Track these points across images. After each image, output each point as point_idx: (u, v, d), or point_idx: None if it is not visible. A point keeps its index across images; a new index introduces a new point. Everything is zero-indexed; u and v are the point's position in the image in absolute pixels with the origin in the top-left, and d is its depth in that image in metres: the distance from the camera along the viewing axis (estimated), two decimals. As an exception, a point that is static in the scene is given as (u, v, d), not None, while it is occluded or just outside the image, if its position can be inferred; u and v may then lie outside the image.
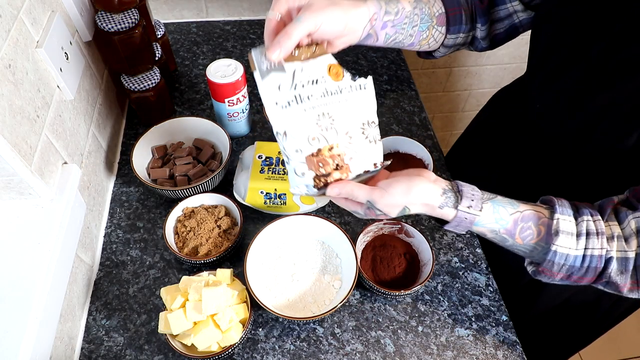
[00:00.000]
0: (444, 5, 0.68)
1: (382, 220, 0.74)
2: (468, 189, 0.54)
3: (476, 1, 0.70)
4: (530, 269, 0.56)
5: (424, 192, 0.52)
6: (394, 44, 0.67)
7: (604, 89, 0.57)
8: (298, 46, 0.52)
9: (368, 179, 0.57)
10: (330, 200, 0.78)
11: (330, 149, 0.51)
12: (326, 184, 0.52)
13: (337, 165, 0.52)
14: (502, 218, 0.53)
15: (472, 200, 0.53)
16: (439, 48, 0.73)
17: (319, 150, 0.51)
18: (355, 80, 0.54)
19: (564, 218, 0.51)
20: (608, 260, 0.50)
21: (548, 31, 0.64)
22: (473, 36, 0.73)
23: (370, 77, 0.55)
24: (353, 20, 0.57)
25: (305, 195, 0.56)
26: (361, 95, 0.54)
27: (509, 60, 1.47)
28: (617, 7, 0.53)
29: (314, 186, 0.52)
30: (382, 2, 0.61)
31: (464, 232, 0.60)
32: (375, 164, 0.54)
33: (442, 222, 0.56)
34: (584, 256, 0.50)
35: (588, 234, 0.50)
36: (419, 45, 0.70)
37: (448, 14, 0.68)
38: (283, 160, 0.61)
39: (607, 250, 0.50)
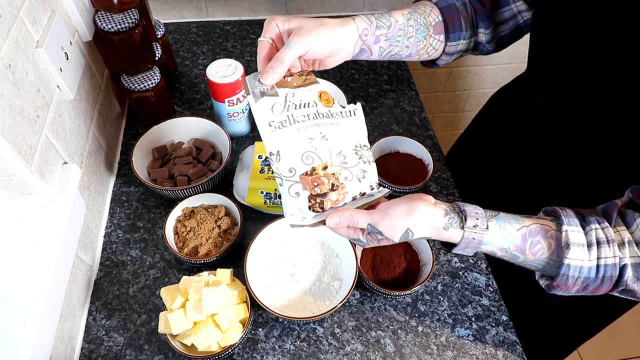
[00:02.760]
0: (442, 13, 0.68)
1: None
2: (470, 208, 0.53)
3: (477, 5, 0.69)
4: (543, 283, 0.55)
5: (426, 214, 0.51)
6: (389, 56, 0.67)
7: (607, 82, 0.57)
8: (290, 74, 0.55)
9: (366, 205, 0.56)
10: None
11: (325, 167, 0.51)
12: (322, 207, 0.51)
13: (333, 185, 0.51)
14: (509, 234, 0.52)
15: (477, 219, 0.52)
16: (440, 56, 0.73)
17: (313, 168, 0.50)
18: (344, 107, 0.55)
19: (572, 229, 0.50)
20: (623, 268, 0.49)
21: (547, 25, 0.64)
22: (476, 41, 0.73)
23: (359, 104, 0.56)
24: (342, 38, 0.58)
25: (301, 226, 0.52)
26: (352, 120, 0.55)
27: (509, 60, 1.47)
28: (616, 1, 0.53)
29: (310, 207, 0.50)
30: (372, 18, 0.62)
31: (472, 254, 0.59)
32: (371, 186, 0.53)
33: (449, 246, 0.55)
34: (597, 266, 0.49)
35: (599, 243, 0.49)
36: (418, 55, 0.70)
37: (446, 22, 0.68)
38: None
39: (620, 258, 0.49)
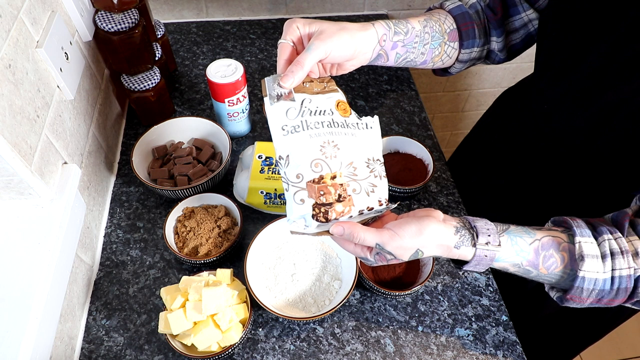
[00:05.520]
0: (456, 21, 0.68)
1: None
2: (482, 223, 0.51)
3: (489, 13, 0.70)
4: (554, 295, 0.54)
5: (436, 233, 0.50)
6: (405, 63, 0.67)
7: (612, 86, 0.56)
8: (310, 80, 0.54)
9: (372, 219, 0.55)
10: None
11: (333, 177, 0.50)
12: (326, 218, 0.49)
13: (340, 196, 0.49)
14: (522, 249, 0.51)
15: (489, 235, 0.50)
16: (454, 64, 0.73)
17: (321, 177, 0.49)
18: (361, 119, 0.54)
19: (585, 240, 0.49)
20: (638, 279, 0.48)
21: (555, 28, 0.64)
22: (488, 50, 0.73)
23: (376, 117, 0.56)
24: (361, 43, 0.58)
25: (303, 234, 0.52)
26: (367, 133, 0.54)
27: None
28: (624, 3, 0.53)
29: (313, 216, 0.49)
30: (390, 24, 0.62)
31: (484, 271, 0.58)
32: (380, 201, 0.52)
33: (458, 263, 0.54)
34: (612, 278, 0.48)
35: (613, 254, 0.49)
36: (432, 62, 0.70)
37: (460, 29, 0.68)
38: None
39: (634, 269, 0.48)
